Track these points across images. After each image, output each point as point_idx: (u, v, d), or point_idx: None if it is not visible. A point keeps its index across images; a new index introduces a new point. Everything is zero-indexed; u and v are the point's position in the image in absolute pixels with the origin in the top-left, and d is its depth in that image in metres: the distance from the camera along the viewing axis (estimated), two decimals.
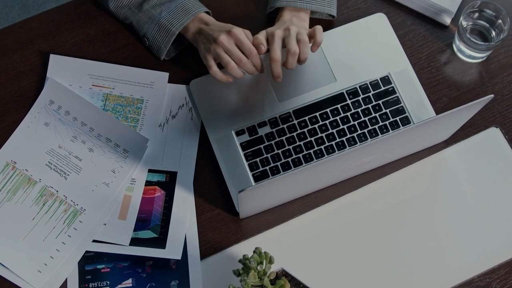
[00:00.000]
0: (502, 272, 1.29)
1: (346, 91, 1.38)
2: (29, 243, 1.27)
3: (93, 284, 1.26)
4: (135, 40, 1.41)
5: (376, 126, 1.36)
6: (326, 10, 1.39)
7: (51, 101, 1.35)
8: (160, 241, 1.28)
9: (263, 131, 1.35)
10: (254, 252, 1.16)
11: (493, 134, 1.37)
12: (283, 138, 1.35)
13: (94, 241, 1.28)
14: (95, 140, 1.33)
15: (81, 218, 1.29)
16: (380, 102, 1.37)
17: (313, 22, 1.42)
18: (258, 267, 1.14)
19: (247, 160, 1.33)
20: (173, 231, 1.29)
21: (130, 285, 1.26)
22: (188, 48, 1.41)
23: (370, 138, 1.35)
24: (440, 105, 1.38)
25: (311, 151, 1.34)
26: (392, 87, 1.38)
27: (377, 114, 1.37)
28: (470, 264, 1.29)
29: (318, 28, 1.31)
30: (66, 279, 1.26)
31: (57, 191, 1.31)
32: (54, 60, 1.39)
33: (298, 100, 1.37)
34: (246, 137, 1.35)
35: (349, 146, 1.35)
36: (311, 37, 1.32)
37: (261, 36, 1.31)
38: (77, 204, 1.30)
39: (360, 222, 1.31)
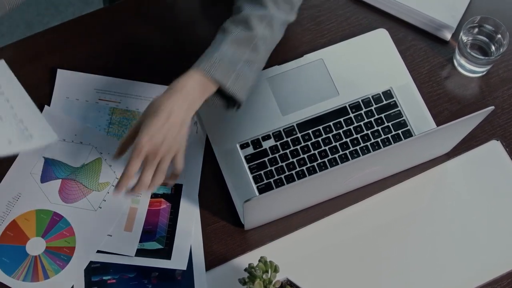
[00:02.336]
0: (505, 283, 1.30)
1: (349, 105, 1.40)
2: None
3: None
4: (141, 55, 1.44)
5: (379, 139, 1.38)
6: (226, 82, 1.19)
7: None
8: (165, 252, 1.29)
9: (267, 144, 1.37)
10: (260, 261, 1.17)
11: (494, 147, 1.39)
12: (287, 151, 1.37)
13: (99, 252, 1.29)
14: None
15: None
16: (382, 115, 1.39)
17: None
18: (264, 276, 1.15)
19: (251, 173, 1.35)
20: (178, 242, 1.30)
21: None
22: (192, 62, 1.43)
23: (373, 151, 1.37)
24: (441, 118, 1.40)
25: (315, 163, 1.36)
26: (394, 101, 1.40)
27: (379, 128, 1.39)
28: (473, 274, 1.30)
29: (179, 168, 1.22)
30: None
31: None
32: (62, 75, 1.41)
33: (302, 113, 1.39)
34: (250, 150, 1.36)
35: (352, 159, 1.36)
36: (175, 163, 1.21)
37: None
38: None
39: (363, 233, 1.33)
